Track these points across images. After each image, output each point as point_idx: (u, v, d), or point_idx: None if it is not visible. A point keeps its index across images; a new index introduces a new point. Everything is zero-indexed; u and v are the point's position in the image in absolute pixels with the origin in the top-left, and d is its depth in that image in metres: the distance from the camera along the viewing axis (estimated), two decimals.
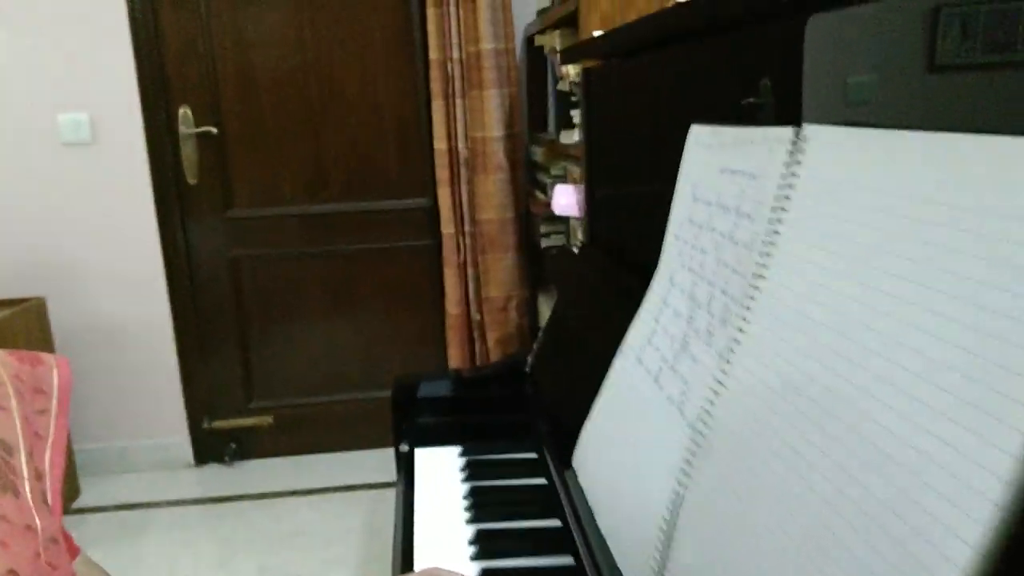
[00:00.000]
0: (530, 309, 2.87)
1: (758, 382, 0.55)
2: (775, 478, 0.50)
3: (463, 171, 2.74)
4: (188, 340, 2.91)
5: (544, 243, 2.63)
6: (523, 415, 1.34)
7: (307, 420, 3.03)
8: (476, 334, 2.86)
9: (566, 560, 0.95)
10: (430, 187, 2.85)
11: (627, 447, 0.74)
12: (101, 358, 2.83)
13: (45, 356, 0.75)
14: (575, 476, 0.87)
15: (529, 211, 2.77)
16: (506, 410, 1.37)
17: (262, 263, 2.92)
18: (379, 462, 2.94)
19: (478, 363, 2.90)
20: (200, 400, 2.96)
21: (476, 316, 2.85)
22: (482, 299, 2.80)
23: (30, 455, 0.66)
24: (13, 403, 0.67)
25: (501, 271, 2.79)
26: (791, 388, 0.51)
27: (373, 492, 2.77)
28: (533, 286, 2.87)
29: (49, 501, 0.66)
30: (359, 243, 2.94)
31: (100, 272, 2.77)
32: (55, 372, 0.75)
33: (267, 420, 3.01)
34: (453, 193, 2.77)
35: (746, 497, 0.53)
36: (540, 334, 1.38)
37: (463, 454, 1.25)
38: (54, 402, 0.73)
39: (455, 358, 2.90)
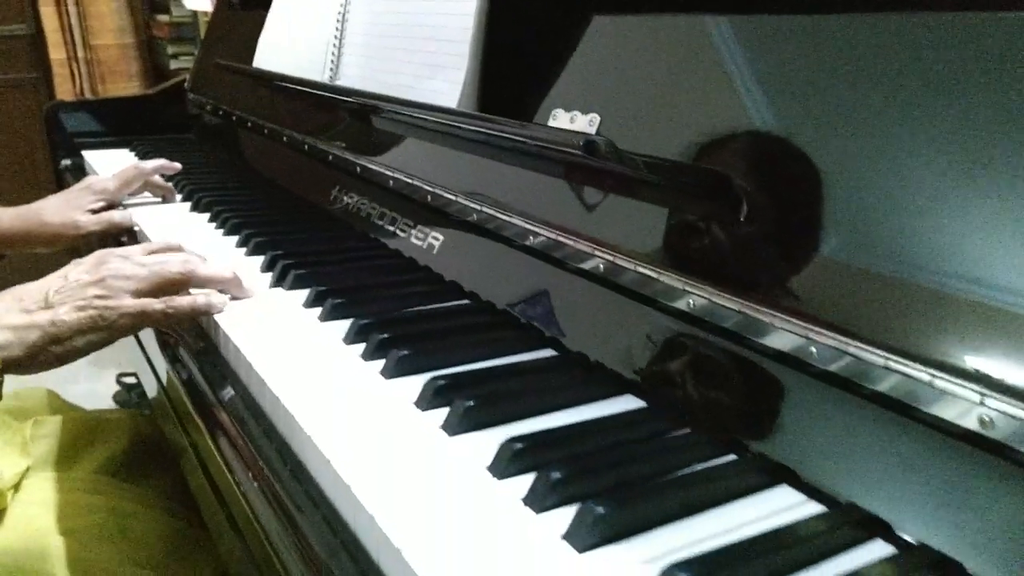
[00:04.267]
0: None
1: None
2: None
3: None
4: None
5: (173, 65, 2.59)
6: (190, 133, 1.44)
7: None
8: None
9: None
10: (30, 10, 2.59)
11: (301, 13, 0.93)
12: None
13: None
14: None
15: (153, 36, 2.69)
16: (172, 131, 1.45)
17: None
18: None
19: None
20: None
21: None
22: None
23: None
24: None
25: None
26: None
27: None
28: None
29: None
30: None
31: None
32: None
33: None
34: (60, 15, 2.56)
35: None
36: (196, 57, 1.47)
37: (135, 148, 1.32)
38: None
39: None
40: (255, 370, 0.54)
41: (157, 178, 0.99)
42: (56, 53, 2.57)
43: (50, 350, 0.57)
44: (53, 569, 0.69)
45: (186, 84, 1.43)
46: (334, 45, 0.85)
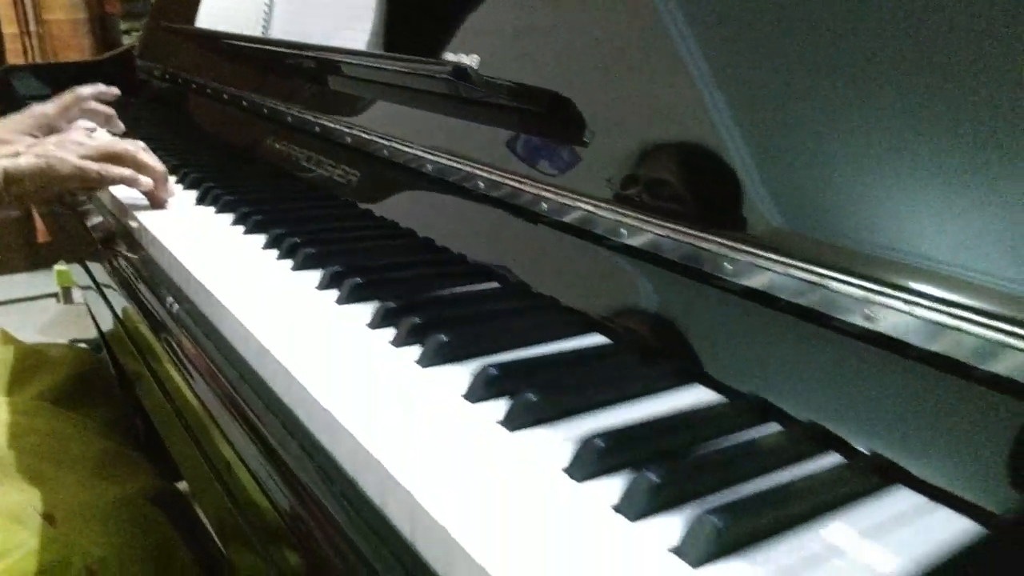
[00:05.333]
0: None
1: None
2: None
3: None
4: None
5: (126, 41, 2.64)
6: (135, 97, 1.51)
7: None
8: None
9: None
10: None
11: None
12: None
13: None
14: None
15: (105, 12, 2.73)
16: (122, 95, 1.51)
17: None
18: None
19: None
20: None
21: None
22: None
23: None
24: None
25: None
26: None
27: None
28: None
29: None
30: None
31: None
32: None
33: None
34: None
35: None
36: (145, 24, 1.54)
37: None
38: None
39: None
40: (185, 267, 0.63)
41: (95, 104, 1.07)
42: (8, 27, 2.60)
43: (10, 189, 0.73)
44: (2, 475, 0.78)
45: (135, 50, 1.50)
46: (265, 3, 0.94)
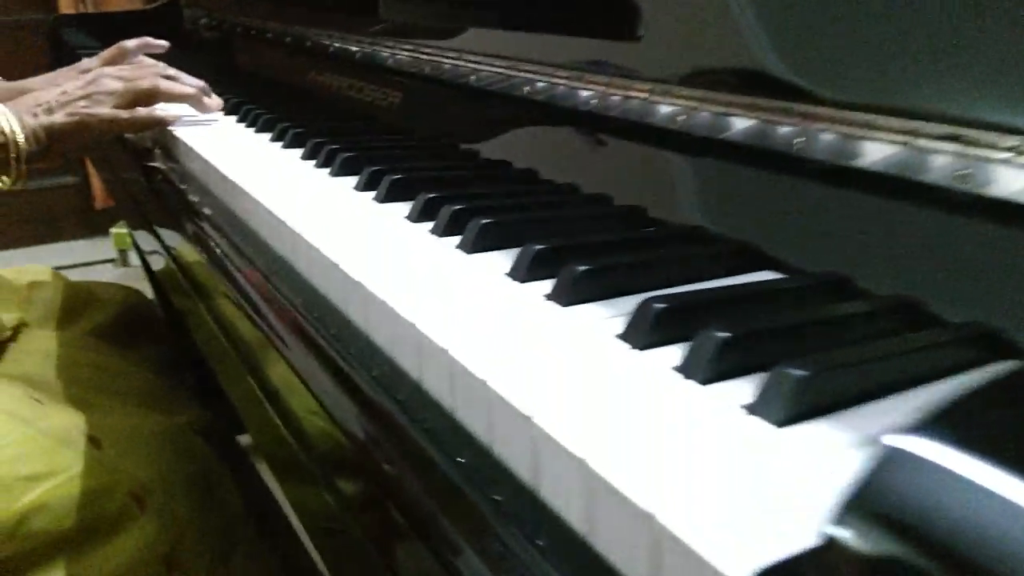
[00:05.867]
0: None
1: None
2: None
3: None
4: None
5: None
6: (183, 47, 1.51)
7: None
8: None
9: None
10: None
11: None
12: None
13: None
14: None
15: None
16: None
17: None
18: None
19: None
20: None
21: None
22: None
23: None
24: None
25: None
26: None
27: None
28: None
29: None
30: None
31: None
32: None
33: None
34: None
35: None
36: None
37: None
38: None
39: None
40: (227, 177, 0.61)
41: (144, 58, 1.04)
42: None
43: (53, 148, 0.74)
44: (50, 400, 0.77)
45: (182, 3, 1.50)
46: None
